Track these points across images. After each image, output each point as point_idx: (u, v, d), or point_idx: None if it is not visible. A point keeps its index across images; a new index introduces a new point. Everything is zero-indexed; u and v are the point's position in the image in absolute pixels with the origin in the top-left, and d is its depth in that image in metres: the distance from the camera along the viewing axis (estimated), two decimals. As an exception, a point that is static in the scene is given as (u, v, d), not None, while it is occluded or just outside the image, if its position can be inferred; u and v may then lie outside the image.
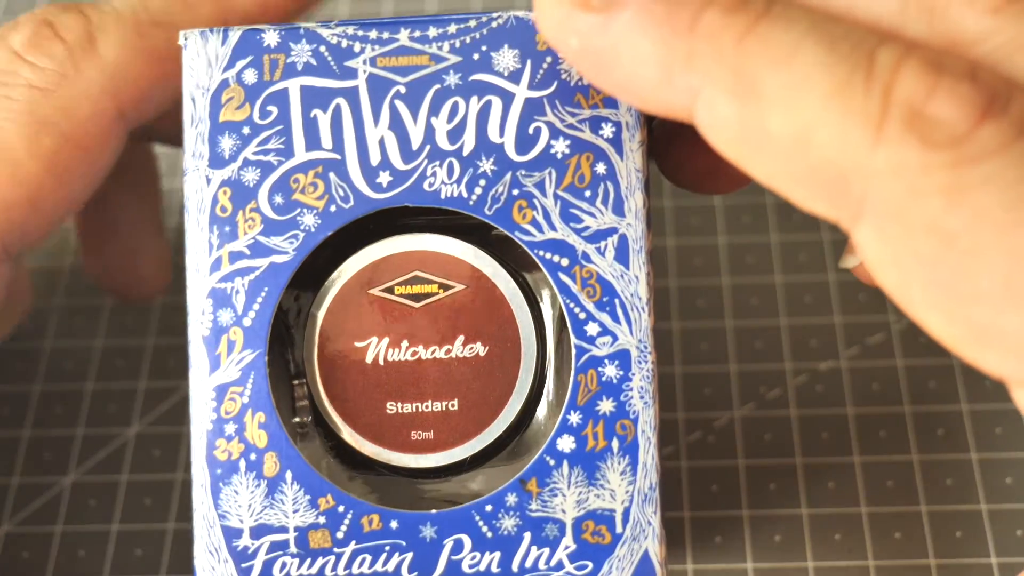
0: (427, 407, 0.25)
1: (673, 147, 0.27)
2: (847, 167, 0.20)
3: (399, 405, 0.25)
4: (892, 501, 0.34)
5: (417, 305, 0.26)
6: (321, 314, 0.26)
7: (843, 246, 0.38)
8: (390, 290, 0.26)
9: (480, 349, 0.25)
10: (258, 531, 0.24)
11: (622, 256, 0.24)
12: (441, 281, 0.26)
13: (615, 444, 0.24)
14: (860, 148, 0.20)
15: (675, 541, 0.34)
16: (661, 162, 0.28)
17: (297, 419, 0.26)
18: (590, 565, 0.24)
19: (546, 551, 0.24)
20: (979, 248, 0.19)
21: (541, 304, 0.26)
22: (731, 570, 0.33)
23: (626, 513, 0.24)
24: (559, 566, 0.24)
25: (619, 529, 0.24)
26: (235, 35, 0.25)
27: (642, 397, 0.24)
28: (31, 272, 0.38)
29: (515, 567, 0.24)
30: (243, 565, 0.24)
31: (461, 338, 0.25)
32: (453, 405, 0.25)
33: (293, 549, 0.24)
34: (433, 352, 0.25)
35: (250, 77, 0.25)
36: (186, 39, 0.25)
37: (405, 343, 0.25)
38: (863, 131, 0.20)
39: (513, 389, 0.25)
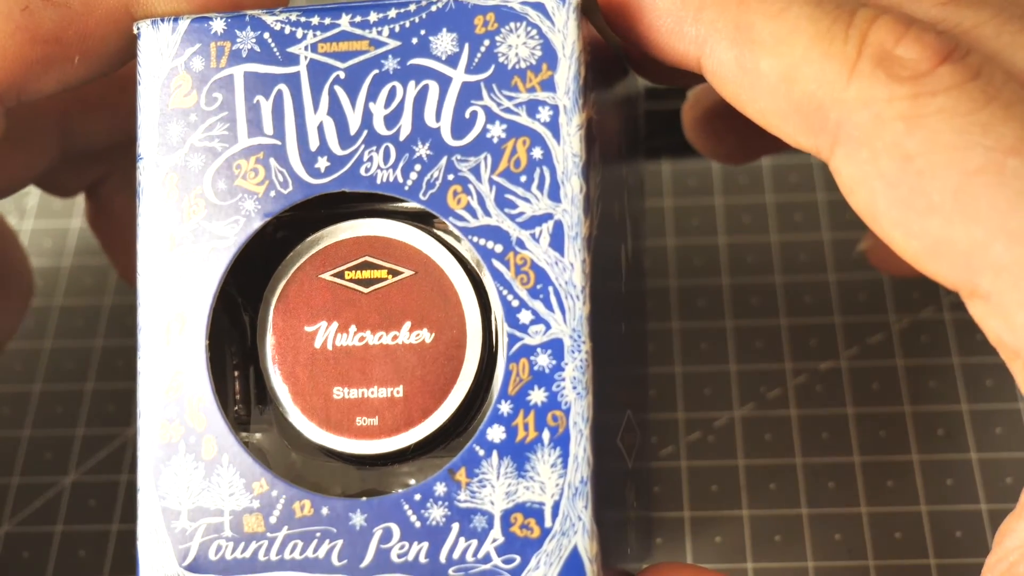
0: (373, 393, 0.25)
1: (708, 123, 0.32)
2: (825, 100, 0.23)
3: (346, 391, 0.25)
4: (892, 501, 0.33)
5: (366, 290, 0.26)
6: (274, 298, 0.26)
7: (843, 246, 0.38)
8: (340, 275, 0.26)
9: (426, 336, 0.25)
10: (195, 513, 0.25)
11: (557, 243, 0.24)
12: (390, 267, 0.26)
13: (546, 435, 0.24)
14: (836, 83, 0.23)
15: (675, 541, 0.34)
16: (697, 137, 0.34)
17: (236, 408, 0.26)
18: (517, 559, 0.23)
19: (474, 543, 0.24)
20: (933, 166, 0.22)
21: (489, 292, 0.25)
22: (731, 570, 0.33)
23: (555, 507, 0.23)
24: (487, 559, 0.24)
25: (548, 523, 0.23)
26: (184, 23, 0.26)
27: (575, 388, 0.24)
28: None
29: (443, 558, 0.24)
30: (180, 547, 0.24)
31: (408, 324, 0.25)
32: (398, 392, 0.25)
33: (228, 532, 0.24)
34: (380, 338, 0.25)
35: (197, 64, 0.25)
36: (139, 29, 0.26)
37: (353, 328, 0.25)
38: (839, 69, 0.23)
39: (458, 377, 0.25)
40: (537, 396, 0.24)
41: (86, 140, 0.31)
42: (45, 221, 0.41)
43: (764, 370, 0.36)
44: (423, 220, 0.26)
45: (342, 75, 0.25)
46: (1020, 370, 0.23)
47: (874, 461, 0.34)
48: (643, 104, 0.33)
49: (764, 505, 0.34)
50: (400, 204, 0.26)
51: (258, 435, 0.27)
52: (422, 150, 0.25)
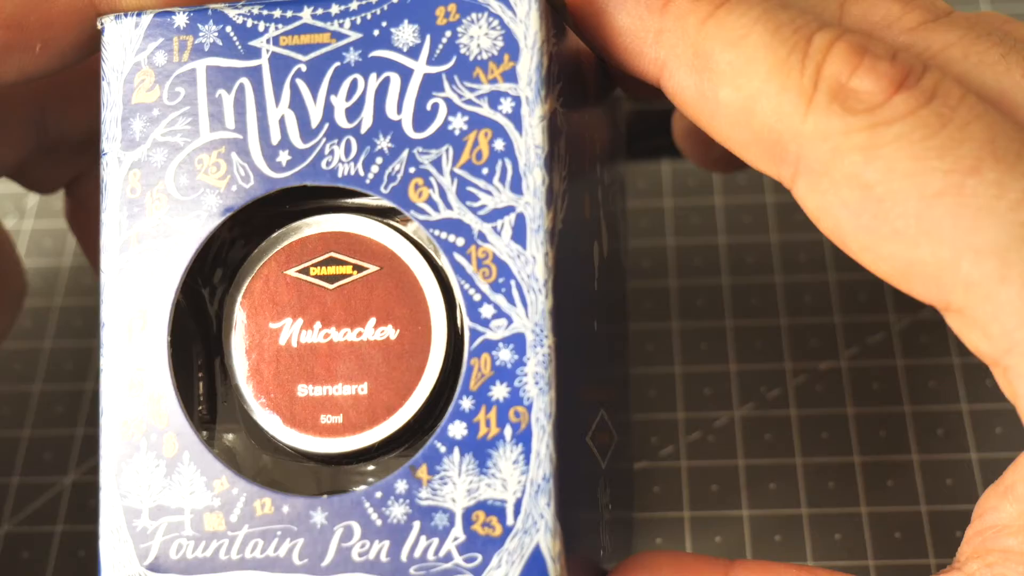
0: (337, 391, 0.25)
1: (696, 132, 0.32)
2: (784, 133, 0.23)
3: (310, 388, 0.25)
4: (892, 501, 0.33)
5: (331, 287, 0.25)
6: (239, 294, 0.25)
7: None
8: (306, 271, 0.25)
9: (391, 332, 0.25)
10: (156, 512, 0.24)
11: (519, 235, 0.23)
12: (356, 262, 0.25)
13: (508, 432, 0.23)
14: (794, 116, 0.23)
15: (675, 541, 0.33)
16: (686, 145, 0.34)
17: (200, 408, 0.26)
18: (479, 557, 0.23)
19: (435, 541, 0.23)
20: (893, 193, 0.22)
21: (453, 287, 0.25)
22: (730, 571, 0.33)
23: (517, 504, 0.23)
24: (448, 557, 0.23)
25: (510, 521, 0.23)
26: (147, 18, 0.25)
27: (537, 383, 0.23)
28: (31, 272, 0.39)
29: (404, 557, 0.23)
30: (141, 546, 0.24)
31: (373, 320, 0.25)
32: (363, 389, 0.25)
33: (189, 531, 0.24)
34: (345, 334, 0.25)
35: (160, 59, 0.25)
36: (103, 24, 0.26)
37: (318, 325, 0.25)
38: (796, 102, 0.23)
39: (423, 374, 0.25)
40: (499, 392, 0.23)
41: (63, 132, 0.31)
42: (45, 221, 0.41)
43: (764, 370, 0.36)
44: (389, 216, 0.26)
45: (304, 68, 0.25)
46: (1001, 375, 0.23)
47: (874, 461, 0.34)
48: (625, 105, 0.32)
49: (764, 505, 0.33)
50: (366, 200, 0.25)
51: (229, 436, 0.26)
52: (383, 143, 0.24)
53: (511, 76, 0.24)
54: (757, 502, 0.33)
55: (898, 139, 0.22)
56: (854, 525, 0.33)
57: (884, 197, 0.22)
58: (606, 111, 0.30)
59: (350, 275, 0.25)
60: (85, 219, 0.34)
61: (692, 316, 0.37)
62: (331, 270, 0.25)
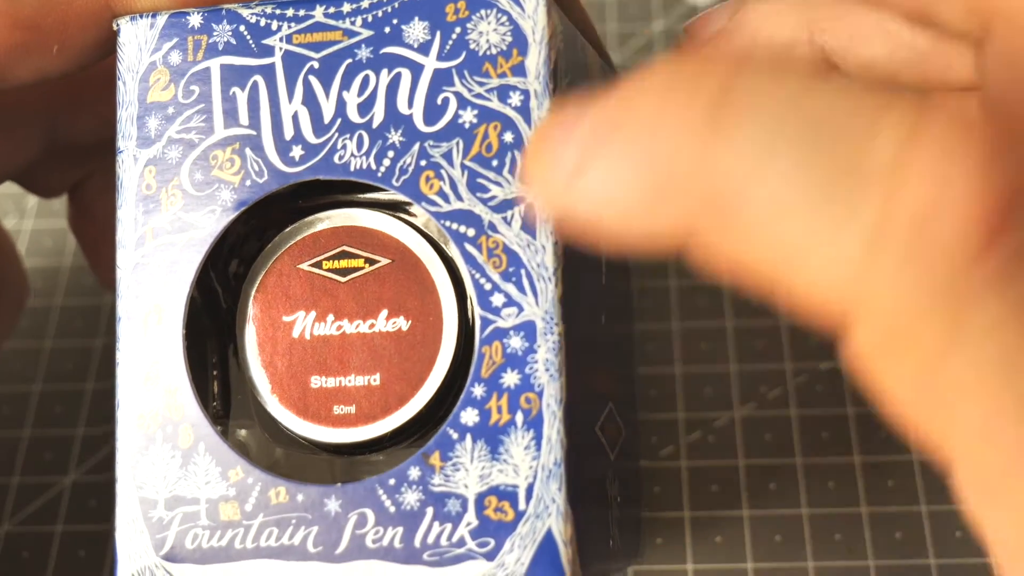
0: (350, 381, 0.25)
1: None
2: (842, 298, 0.17)
3: (323, 379, 0.25)
4: (892, 501, 0.33)
5: (343, 280, 0.26)
6: (253, 289, 0.26)
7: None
8: (318, 265, 0.26)
9: (403, 323, 0.25)
10: (172, 502, 0.25)
11: (528, 226, 0.24)
12: (368, 256, 0.26)
13: (519, 418, 0.23)
14: (849, 281, 0.16)
15: (675, 541, 0.33)
16: None
17: (215, 403, 0.26)
18: (492, 542, 0.23)
19: (448, 527, 0.23)
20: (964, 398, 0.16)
21: (464, 276, 0.26)
22: (731, 570, 0.33)
23: (529, 489, 0.23)
24: (461, 542, 0.23)
25: (522, 506, 0.23)
26: (162, 19, 0.26)
27: (547, 370, 0.23)
28: (31, 272, 0.39)
29: (417, 543, 0.24)
30: (157, 536, 0.25)
31: (384, 312, 0.25)
32: (375, 380, 0.25)
33: (204, 521, 0.24)
34: (357, 326, 0.25)
35: (175, 58, 0.26)
36: (118, 25, 0.26)
37: (331, 317, 0.25)
38: (851, 259, 0.16)
39: (434, 364, 0.25)
40: (510, 378, 0.24)
41: (71, 137, 0.31)
42: (45, 221, 0.41)
43: (764, 370, 0.36)
44: (400, 209, 0.26)
45: (316, 65, 0.25)
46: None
47: (874, 461, 0.34)
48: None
49: (764, 505, 0.33)
50: (378, 194, 0.26)
51: (243, 432, 0.27)
52: (395, 137, 0.25)
53: (520, 70, 0.24)
54: (757, 502, 0.33)
55: (992, 330, 0.15)
56: (854, 525, 0.33)
57: (956, 402, 0.16)
58: None
59: (362, 268, 0.26)
60: (88, 224, 0.34)
61: (692, 316, 0.37)
62: (343, 263, 0.26)
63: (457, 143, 0.24)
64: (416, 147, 0.25)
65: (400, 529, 0.24)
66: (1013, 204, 0.15)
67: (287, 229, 0.26)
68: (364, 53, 0.25)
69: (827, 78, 0.17)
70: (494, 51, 0.24)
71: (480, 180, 0.24)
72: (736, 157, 0.17)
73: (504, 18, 0.24)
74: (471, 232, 0.24)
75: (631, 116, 0.18)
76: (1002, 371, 0.15)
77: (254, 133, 0.25)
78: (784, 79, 0.17)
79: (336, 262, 0.26)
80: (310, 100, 0.25)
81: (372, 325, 0.25)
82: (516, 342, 0.24)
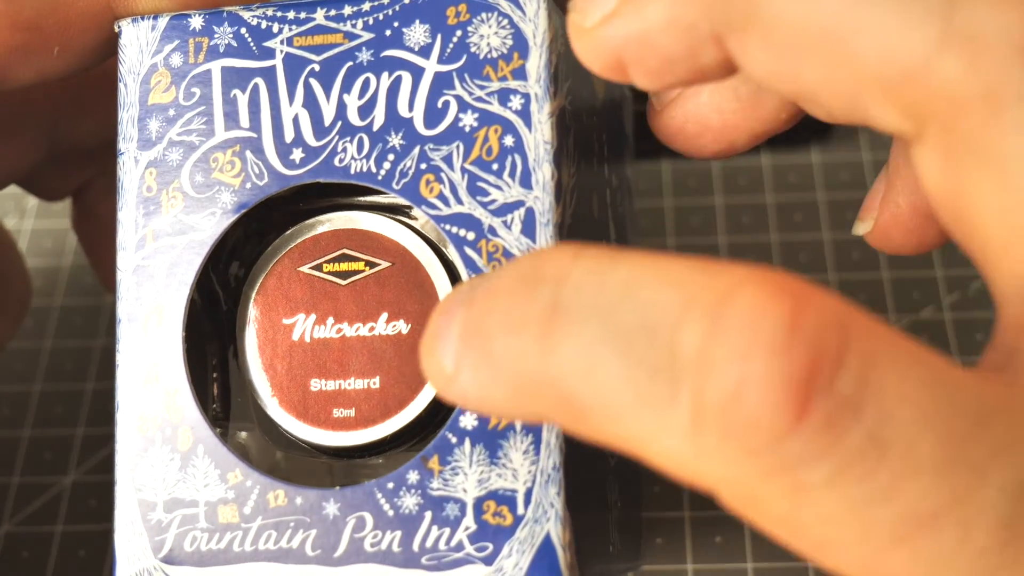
0: (350, 385, 0.25)
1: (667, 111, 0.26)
2: (693, 473, 0.18)
3: (323, 382, 0.25)
4: None
5: (343, 283, 0.26)
6: (253, 291, 0.26)
7: (843, 246, 0.38)
8: (319, 268, 0.26)
9: (403, 327, 0.25)
10: (171, 505, 0.25)
11: (528, 229, 0.24)
12: (368, 259, 0.26)
13: (518, 422, 0.23)
14: (689, 461, 0.18)
15: (675, 541, 0.33)
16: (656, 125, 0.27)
17: (214, 405, 0.26)
18: (490, 547, 0.23)
19: (447, 531, 0.23)
20: (832, 543, 0.18)
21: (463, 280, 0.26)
22: (731, 570, 0.33)
23: (528, 494, 0.23)
24: (459, 547, 0.23)
25: (520, 510, 0.23)
26: (163, 21, 0.26)
27: None
28: (31, 272, 0.39)
29: (415, 547, 0.24)
30: (156, 539, 0.25)
31: (384, 315, 0.25)
32: (375, 383, 0.25)
33: (203, 523, 0.24)
34: (357, 329, 0.25)
35: (176, 60, 0.26)
36: (120, 27, 0.26)
37: (331, 320, 0.25)
38: (682, 445, 0.18)
39: None
40: None
41: (75, 139, 0.31)
42: (45, 221, 0.41)
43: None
44: (400, 212, 0.26)
45: (317, 68, 0.25)
46: None
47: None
48: (631, 107, 0.32)
49: (764, 506, 0.33)
50: (378, 197, 0.26)
51: (243, 434, 0.27)
52: (395, 140, 0.25)
53: (520, 74, 0.24)
54: (759, 502, 0.34)
55: (829, 485, 0.17)
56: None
57: (825, 543, 0.18)
58: (612, 111, 0.30)
59: (362, 271, 0.26)
60: (91, 226, 0.34)
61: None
62: (344, 266, 0.26)
63: (457, 146, 0.24)
64: (416, 150, 0.25)
65: (398, 533, 0.24)
66: (816, 373, 0.17)
67: (287, 232, 0.26)
68: (365, 56, 0.25)
69: (652, 263, 0.18)
70: (495, 54, 0.24)
71: (480, 184, 0.24)
72: (568, 364, 0.18)
73: (505, 21, 0.24)
74: (471, 236, 0.24)
75: (486, 322, 0.20)
76: (849, 523, 0.17)
77: (255, 135, 0.25)
78: (605, 284, 0.18)
79: (336, 265, 0.26)
80: (311, 103, 0.25)
81: (372, 328, 0.25)
82: None
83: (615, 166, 0.30)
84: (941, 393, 0.17)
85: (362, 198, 0.26)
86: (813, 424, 0.17)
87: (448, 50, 0.25)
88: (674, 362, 0.17)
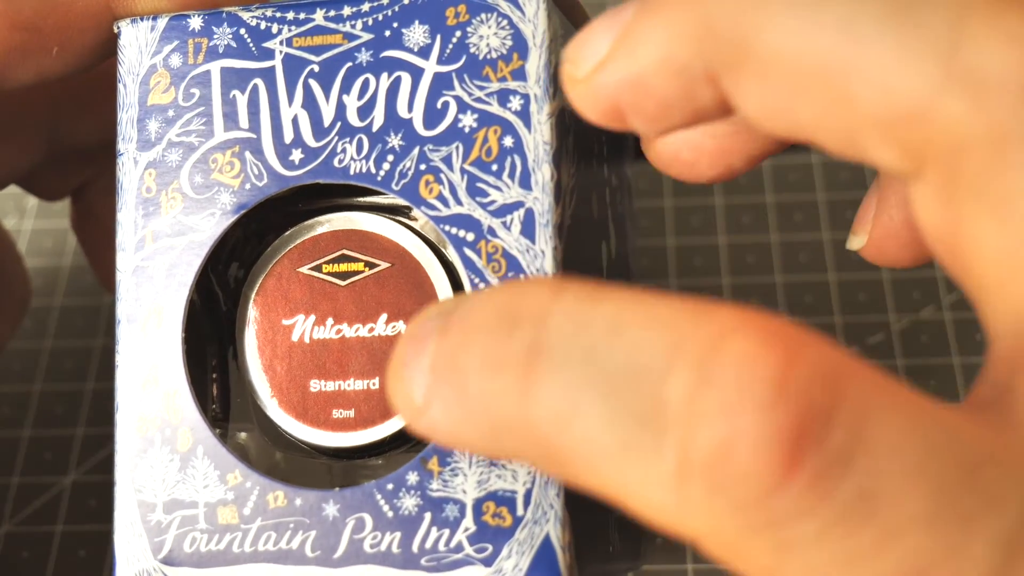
0: (349, 385, 0.25)
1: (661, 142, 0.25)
2: (675, 528, 0.18)
3: (322, 383, 0.25)
4: None
5: (343, 283, 0.26)
6: (253, 292, 0.26)
7: (843, 246, 0.38)
8: (318, 268, 0.26)
9: (402, 327, 0.25)
10: (171, 506, 0.25)
11: (528, 230, 0.24)
12: (367, 259, 0.26)
13: None
14: (672, 513, 0.18)
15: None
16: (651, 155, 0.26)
17: (214, 406, 0.26)
18: (490, 548, 0.23)
19: (446, 532, 0.23)
20: None
21: (464, 283, 0.25)
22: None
23: (528, 495, 0.23)
24: (459, 548, 0.23)
25: (520, 512, 0.23)
26: (163, 21, 0.26)
27: None
28: (31, 272, 0.39)
29: (415, 548, 0.24)
30: (156, 540, 0.25)
31: (384, 316, 0.25)
32: (375, 384, 0.25)
33: (202, 524, 0.24)
34: (357, 330, 0.25)
35: (176, 61, 0.26)
36: (119, 28, 0.26)
37: (330, 321, 0.25)
38: (666, 496, 0.17)
39: None
40: None
41: (74, 141, 0.31)
42: (45, 221, 0.41)
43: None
44: (400, 213, 0.26)
45: (316, 68, 0.25)
46: None
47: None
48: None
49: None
50: (377, 198, 0.26)
51: (242, 435, 0.27)
52: (395, 141, 0.25)
53: (520, 74, 0.24)
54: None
55: (817, 541, 0.17)
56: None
57: None
58: None
59: (362, 272, 0.26)
60: (91, 226, 0.34)
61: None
62: (343, 267, 0.26)
63: (457, 147, 0.24)
64: (416, 151, 0.24)
65: (398, 534, 0.24)
66: (806, 429, 0.16)
67: (287, 233, 0.26)
68: (364, 56, 0.25)
69: (637, 303, 0.18)
70: (494, 55, 0.24)
71: (480, 184, 0.24)
72: (548, 409, 0.18)
73: (504, 22, 0.24)
74: (470, 236, 0.24)
75: (460, 359, 0.19)
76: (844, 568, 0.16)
77: (254, 136, 0.25)
78: (588, 324, 0.18)
79: (336, 266, 0.26)
80: (310, 103, 0.25)
81: (372, 329, 0.25)
82: None
83: (615, 166, 0.30)
84: (933, 442, 0.17)
85: (361, 199, 0.26)
86: (802, 480, 0.16)
87: (447, 51, 0.25)
88: (660, 411, 0.17)
